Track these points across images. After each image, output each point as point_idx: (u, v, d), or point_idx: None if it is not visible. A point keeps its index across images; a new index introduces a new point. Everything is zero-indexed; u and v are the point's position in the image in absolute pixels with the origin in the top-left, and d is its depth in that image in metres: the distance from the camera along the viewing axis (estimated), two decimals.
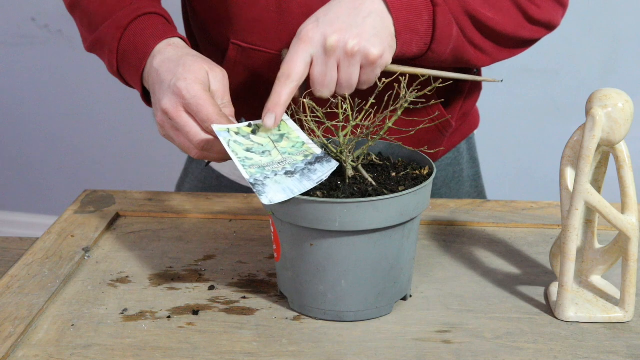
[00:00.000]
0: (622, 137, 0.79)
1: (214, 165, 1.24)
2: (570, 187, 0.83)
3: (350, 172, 0.83)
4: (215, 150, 0.88)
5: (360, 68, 0.89)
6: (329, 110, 0.84)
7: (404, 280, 0.85)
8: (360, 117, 0.84)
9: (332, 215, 0.77)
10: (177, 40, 0.96)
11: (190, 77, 0.88)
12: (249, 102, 1.07)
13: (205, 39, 1.13)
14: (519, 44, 1.05)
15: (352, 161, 0.84)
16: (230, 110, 0.91)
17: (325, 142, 0.84)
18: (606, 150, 0.83)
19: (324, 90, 0.89)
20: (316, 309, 0.83)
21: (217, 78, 0.91)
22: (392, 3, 0.91)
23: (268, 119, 0.86)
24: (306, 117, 0.84)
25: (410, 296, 0.88)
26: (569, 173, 0.84)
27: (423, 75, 0.90)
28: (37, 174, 2.74)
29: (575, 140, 0.83)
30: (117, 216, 1.07)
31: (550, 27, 1.06)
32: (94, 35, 1.02)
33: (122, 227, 1.05)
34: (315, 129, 0.84)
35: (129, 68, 0.97)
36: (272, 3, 1.01)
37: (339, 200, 0.77)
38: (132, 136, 2.57)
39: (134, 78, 0.97)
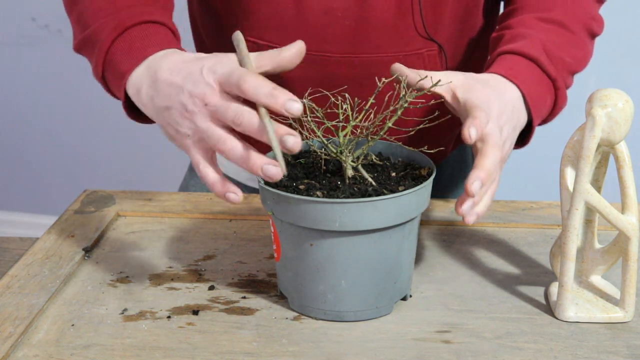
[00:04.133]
0: (622, 137, 0.79)
1: (219, 165, 1.23)
2: (570, 187, 0.83)
3: (350, 172, 0.83)
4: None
5: None
6: (329, 111, 0.84)
7: (404, 280, 0.85)
8: (360, 117, 0.84)
9: (332, 215, 0.77)
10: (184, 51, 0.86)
11: (227, 60, 0.78)
12: None
13: (217, 40, 1.10)
14: None
15: (352, 161, 0.84)
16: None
17: (325, 142, 0.84)
18: (606, 150, 0.83)
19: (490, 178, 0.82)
20: (316, 309, 0.83)
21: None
22: (531, 97, 0.93)
23: (477, 185, 0.79)
24: (306, 117, 0.84)
25: (410, 296, 0.88)
26: (569, 173, 0.84)
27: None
28: (37, 174, 2.74)
29: (575, 140, 0.83)
30: (117, 216, 1.07)
31: None
32: (86, 31, 0.91)
33: (122, 227, 1.05)
34: (315, 129, 0.84)
35: (114, 72, 0.87)
36: None
37: (339, 200, 0.77)
38: (132, 136, 2.57)
39: (116, 82, 0.86)
